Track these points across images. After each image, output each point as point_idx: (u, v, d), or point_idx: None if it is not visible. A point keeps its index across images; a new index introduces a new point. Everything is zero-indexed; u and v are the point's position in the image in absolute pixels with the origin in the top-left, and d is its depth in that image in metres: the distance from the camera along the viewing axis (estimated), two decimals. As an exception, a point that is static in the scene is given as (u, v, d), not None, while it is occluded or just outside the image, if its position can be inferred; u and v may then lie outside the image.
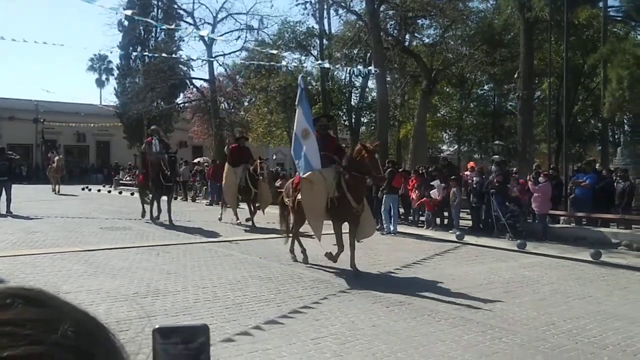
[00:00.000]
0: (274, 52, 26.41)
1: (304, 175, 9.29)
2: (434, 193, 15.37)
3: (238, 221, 16.00)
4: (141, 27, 37.95)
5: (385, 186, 15.26)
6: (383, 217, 15.12)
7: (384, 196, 15.23)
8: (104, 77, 60.19)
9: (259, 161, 15.84)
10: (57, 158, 29.10)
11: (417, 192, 16.00)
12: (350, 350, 5.47)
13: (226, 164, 15.95)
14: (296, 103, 10.22)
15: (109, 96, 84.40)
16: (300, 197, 9.55)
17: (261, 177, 15.39)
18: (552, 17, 19.47)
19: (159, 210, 15.82)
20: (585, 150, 33.21)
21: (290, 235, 10.53)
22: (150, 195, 16.19)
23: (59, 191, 28.44)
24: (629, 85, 16.48)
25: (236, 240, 12.90)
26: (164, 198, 15.77)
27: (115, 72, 47.70)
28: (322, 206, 9.20)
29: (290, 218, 10.46)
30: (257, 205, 15.83)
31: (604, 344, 5.82)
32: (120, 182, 35.11)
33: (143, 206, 16.60)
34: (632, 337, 6.07)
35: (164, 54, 21.58)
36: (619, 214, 13.67)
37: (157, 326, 0.77)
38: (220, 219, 16.58)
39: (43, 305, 0.62)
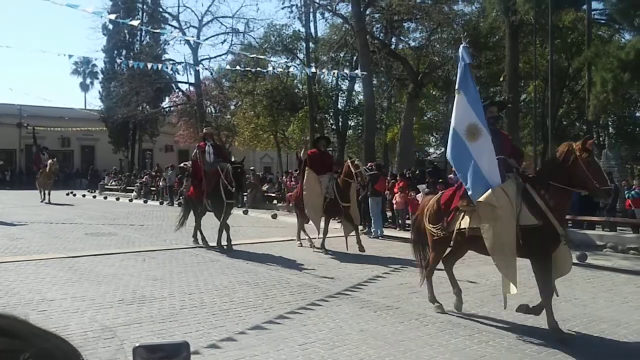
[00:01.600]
0: (262, 57, 26.44)
1: (482, 198, 6.33)
2: (419, 196, 15.40)
3: (311, 243, 12.96)
4: (126, 31, 37.81)
5: (368, 189, 15.34)
6: (373, 221, 15.19)
7: (369, 199, 15.29)
8: (88, 80, 59.77)
9: (349, 161, 12.91)
10: (50, 161, 25.59)
11: (402, 194, 16.02)
12: (338, 356, 5.44)
13: (306, 171, 12.53)
14: (457, 86, 6.85)
15: (93, 100, 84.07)
16: (462, 226, 6.69)
17: (359, 179, 12.31)
18: (537, 20, 19.66)
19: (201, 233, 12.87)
20: (571, 152, 33.43)
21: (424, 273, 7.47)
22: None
23: (49, 200, 25.12)
24: (613, 88, 16.65)
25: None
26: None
27: (100, 76, 47.41)
28: (514, 240, 6.17)
29: (428, 250, 7.47)
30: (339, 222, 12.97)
31: (590, 347, 5.84)
32: (105, 187, 34.87)
33: (195, 232, 12.95)
34: (618, 339, 6.10)
35: (149, 64, 21.43)
36: (604, 216, 13.79)
37: (137, 344, 0.76)
38: (300, 244, 13.09)
39: (7, 335, 0.60)
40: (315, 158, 12.73)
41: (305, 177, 12.56)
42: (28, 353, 0.59)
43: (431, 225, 7.17)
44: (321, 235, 12.36)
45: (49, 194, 25.37)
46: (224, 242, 12.14)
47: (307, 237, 13.11)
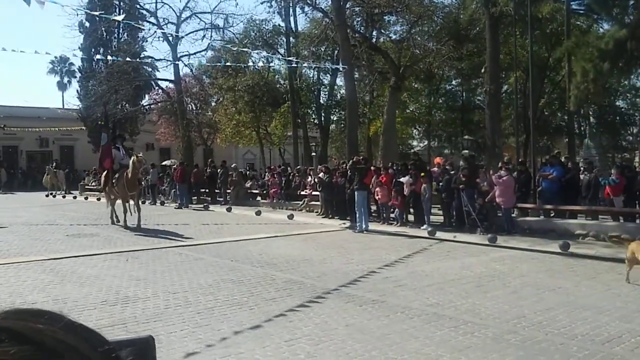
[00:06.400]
0: (245, 49, 26.28)
1: None
2: (405, 187, 15.42)
3: None
4: (103, 29, 37.27)
5: (356, 182, 15.33)
6: (357, 215, 15.14)
7: (355, 193, 15.24)
8: (65, 79, 59.00)
9: None
10: (133, 158, 16.04)
11: (386, 187, 16.03)
12: (324, 351, 5.42)
13: None
14: None
15: (71, 99, 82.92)
16: None
17: None
18: (517, 11, 19.73)
19: None
20: (553, 142, 33.77)
21: None
22: None
23: (139, 221, 15.64)
24: (594, 78, 16.69)
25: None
26: None
27: (78, 75, 46.74)
28: None
29: None
30: None
31: (573, 334, 5.88)
32: (86, 187, 34.47)
33: None
34: (600, 326, 6.15)
35: (128, 58, 21.14)
36: (586, 205, 13.88)
37: None
38: None
39: (30, 342, 0.58)
40: None
41: None
42: None
43: None
44: None
45: (139, 210, 15.98)
46: None
47: None
